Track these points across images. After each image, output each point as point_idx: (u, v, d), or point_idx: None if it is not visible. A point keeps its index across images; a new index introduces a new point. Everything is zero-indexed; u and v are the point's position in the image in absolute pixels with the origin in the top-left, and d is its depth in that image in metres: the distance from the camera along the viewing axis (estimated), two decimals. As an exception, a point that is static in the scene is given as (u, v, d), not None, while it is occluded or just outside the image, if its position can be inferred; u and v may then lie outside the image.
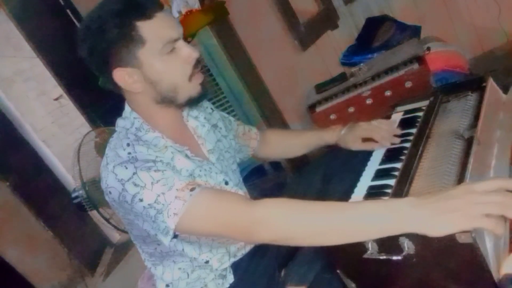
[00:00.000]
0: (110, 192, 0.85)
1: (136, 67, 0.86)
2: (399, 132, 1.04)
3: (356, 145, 1.11)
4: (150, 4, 0.84)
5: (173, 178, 0.81)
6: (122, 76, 0.87)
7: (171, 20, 0.88)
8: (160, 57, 0.86)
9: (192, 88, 0.91)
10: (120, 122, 0.94)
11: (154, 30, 0.84)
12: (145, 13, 0.83)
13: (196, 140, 1.00)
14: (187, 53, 0.88)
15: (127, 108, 0.94)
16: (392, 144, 1.03)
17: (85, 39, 0.86)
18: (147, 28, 0.84)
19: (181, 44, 0.88)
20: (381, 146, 1.04)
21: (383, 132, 1.05)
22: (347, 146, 1.13)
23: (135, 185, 0.80)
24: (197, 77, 0.91)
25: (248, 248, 1.03)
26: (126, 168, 0.82)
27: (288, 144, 1.27)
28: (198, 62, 0.91)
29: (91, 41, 0.85)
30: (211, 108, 1.12)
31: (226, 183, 0.97)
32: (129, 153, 0.85)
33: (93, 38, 0.84)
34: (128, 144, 0.87)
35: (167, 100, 0.91)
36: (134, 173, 0.81)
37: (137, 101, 0.92)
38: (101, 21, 0.83)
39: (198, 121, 1.02)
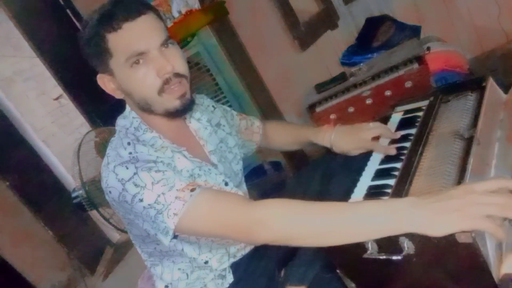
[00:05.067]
0: (110, 192, 0.85)
1: (112, 76, 0.88)
2: (398, 135, 1.03)
3: (356, 151, 1.09)
4: (118, 15, 0.82)
5: (174, 179, 0.81)
6: (104, 82, 0.90)
7: (142, 31, 0.84)
8: (128, 69, 0.85)
9: (165, 103, 0.88)
10: (120, 121, 0.95)
11: (119, 43, 0.83)
12: (112, 25, 0.82)
13: (198, 141, 1.00)
14: (158, 67, 0.85)
15: (127, 106, 0.95)
16: (392, 143, 1.02)
17: (79, 42, 0.89)
18: (113, 40, 0.83)
19: (153, 56, 0.84)
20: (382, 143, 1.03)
21: (384, 132, 1.04)
22: (346, 153, 1.11)
23: (136, 185, 0.80)
24: (171, 92, 0.87)
25: (248, 249, 1.03)
26: (127, 168, 0.82)
27: (284, 140, 1.27)
28: (176, 75, 0.86)
29: (82, 46, 0.88)
30: (213, 106, 1.12)
31: (226, 184, 0.97)
32: (130, 153, 0.85)
33: (82, 44, 0.88)
34: (129, 143, 0.88)
35: (145, 110, 0.90)
36: (134, 173, 0.81)
37: (130, 103, 0.93)
38: (84, 30, 0.86)
39: (200, 123, 1.02)
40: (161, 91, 0.86)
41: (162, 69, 0.85)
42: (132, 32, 0.83)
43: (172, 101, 0.88)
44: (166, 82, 0.86)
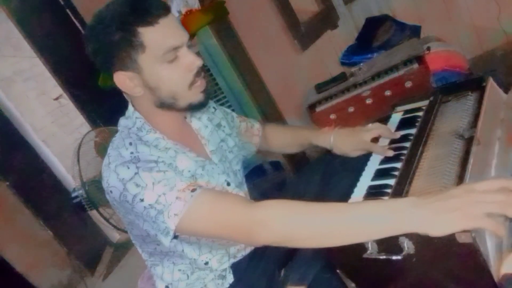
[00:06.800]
0: (111, 192, 0.85)
1: (136, 72, 0.86)
2: (398, 135, 1.03)
3: (356, 152, 1.10)
4: (154, 10, 0.82)
5: (175, 179, 0.81)
6: (123, 80, 0.87)
7: (175, 27, 0.86)
8: (160, 64, 0.85)
9: (193, 96, 0.90)
10: (122, 122, 0.94)
11: (156, 38, 0.83)
12: (148, 19, 0.82)
13: (200, 140, 1.00)
14: (190, 61, 0.87)
15: (130, 107, 0.94)
16: (392, 143, 1.02)
17: (90, 38, 0.86)
18: (148, 34, 0.82)
19: (184, 51, 0.87)
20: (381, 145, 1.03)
21: (384, 132, 1.05)
22: (346, 155, 1.12)
23: (137, 185, 0.80)
24: (199, 85, 0.90)
25: (248, 250, 1.03)
26: (128, 168, 0.82)
27: (284, 142, 1.28)
28: (201, 69, 0.90)
29: (95, 42, 0.85)
30: (214, 107, 1.12)
31: (228, 184, 0.97)
32: (132, 153, 0.85)
33: (97, 39, 0.84)
34: (130, 143, 0.87)
35: (166, 105, 0.90)
36: (136, 173, 0.81)
37: (138, 102, 0.92)
38: (105, 23, 0.83)
39: (201, 122, 1.02)
40: (191, 84, 0.88)
41: (193, 63, 0.87)
42: (167, 28, 0.84)
43: (197, 94, 0.90)
44: (197, 75, 0.89)
